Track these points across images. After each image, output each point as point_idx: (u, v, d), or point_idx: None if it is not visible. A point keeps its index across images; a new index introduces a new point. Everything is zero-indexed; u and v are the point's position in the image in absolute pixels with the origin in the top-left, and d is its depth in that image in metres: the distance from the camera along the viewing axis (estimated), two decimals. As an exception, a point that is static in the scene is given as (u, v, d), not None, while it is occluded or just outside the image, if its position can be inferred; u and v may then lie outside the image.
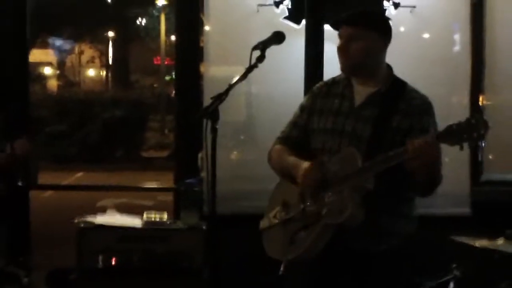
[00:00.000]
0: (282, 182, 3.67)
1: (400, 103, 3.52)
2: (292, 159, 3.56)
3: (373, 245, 3.43)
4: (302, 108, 3.68)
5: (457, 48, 5.36)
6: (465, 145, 3.22)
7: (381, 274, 3.48)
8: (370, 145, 3.44)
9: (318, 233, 3.38)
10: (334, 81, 3.63)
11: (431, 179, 3.37)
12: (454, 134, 3.21)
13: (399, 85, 3.63)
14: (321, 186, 3.40)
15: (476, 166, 5.32)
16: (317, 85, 3.68)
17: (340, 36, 3.55)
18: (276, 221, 3.55)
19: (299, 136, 3.67)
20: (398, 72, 5.25)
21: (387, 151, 3.32)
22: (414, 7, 5.19)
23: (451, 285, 4.26)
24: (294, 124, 3.68)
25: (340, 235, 3.34)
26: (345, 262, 3.44)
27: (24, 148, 3.86)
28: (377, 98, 3.52)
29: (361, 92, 3.56)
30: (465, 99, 5.28)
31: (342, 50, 3.52)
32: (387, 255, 3.48)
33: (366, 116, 3.50)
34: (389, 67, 3.68)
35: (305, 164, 3.43)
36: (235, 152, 5.31)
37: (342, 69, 3.58)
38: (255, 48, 3.38)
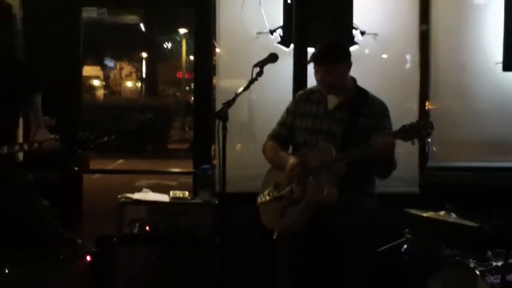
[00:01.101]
0: (273, 168, 3.73)
1: (364, 108, 3.57)
2: (282, 155, 3.66)
3: (348, 220, 3.42)
4: (288, 111, 3.75)
5: (408, 65, 5.35)
6: (416, 141, 3.26)
7: (355, 244, 3.49)
8: (343, 141, 3.49)
9: (303, 208, 3.40)
10: (312, 90, 3.72)
11: (388, 165, 3.48)
12: (407, 133, 3.26)
13: (362, 93, 3.68)
14: (304, 173, 3.43)
15: (423, 155, 5.32)
16: (299, 92, 3.77)
17: (316, 70, 3.60)
18: (269, 198, 3.60)
19: (286, 133, 3.74)
20: (365, 84, 5.24)
21: (355, 145, 3.38)
22: (376, 34, 5.17)
23: (404, 246, 4.26)
24: (283, 124, 3.75)
25: (323, 213, 3.34)
26: (327, 236, 3.45)
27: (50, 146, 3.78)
28: (346, 104, 3.58)
29: (333, 99, 3.63)
30: (415, 105, 5.28)
31: (322, 82, 3.59)
32: (359, 227, 3.48)
33: (337, 118, 3.56)
34: (353, 79, 3.71)
35: (291, 160, 3.49)
36: (239, 145, 5.31)
37: (323, 91, 3.65)
38: (255, 65, 3.45)
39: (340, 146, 3.46)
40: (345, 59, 3.65)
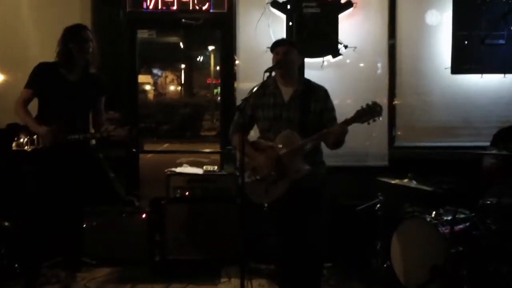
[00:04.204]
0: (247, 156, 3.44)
1: (311, 94, 3.40)
2: (251, 149, 3.44)
3: (310, 183, 3.35)
4: (248, 104, 3.44)
5: (380, 71, 5.27)
6: (371, 121, 3.13)
7: (317, 196, 3.42)
8: (300, 125, 3.35)
9: (283, 186, 3.31)
10: (265, 84, 3.37)
11: (339, 143, 3.28)
12: (362, 116, 3.13)
13: (307, 82, 3.50)
14: (278, 159, 3.32)
15: (391, 138, 5.28)
16: (255, 89, 3.33)
17: (277, 52, 3.43)
18: (250, 180, 3.42)
19: (247, 123, 3.55)
20: (347, 86, 5.25)
21: (313, 128, 3.27)
22: (356, 47, 5.10)
23: (377, 205, 4.25)
24: (244, 115, 3.48)
25: (295, 181, 3.28)
26: (298, 194, 3.34)
27: (121, 133, 3.80)
28: (297, 94, 3.40)
29: (285, 91, 3.45)
30: (385, 100, 5.20)
31: (282, 60, 3.39)
32: (318, 187, 3.42)
33: (293, 107, 3.39)
34: (299, 73, 3.58)
35: (261, 158, 3.39)
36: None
37: (280, 73, 3.43)
38: (265, 71, 3.30)
39: (299, 129, 3.34)
40: (297, 48, 3.49)
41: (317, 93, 3.45)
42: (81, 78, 3.87)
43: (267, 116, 3.47)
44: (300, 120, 3.37)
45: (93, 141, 4.13)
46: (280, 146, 3.35)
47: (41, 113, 3.84)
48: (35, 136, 3.73)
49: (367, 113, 3.12)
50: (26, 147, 3.73)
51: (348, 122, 3.17)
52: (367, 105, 3.13)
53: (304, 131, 3.31)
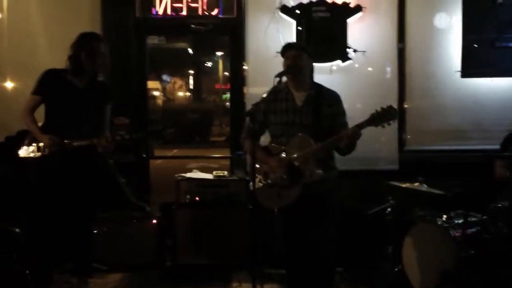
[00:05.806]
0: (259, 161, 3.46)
1: (323, 99, 3.38)
2: (263, 154, 3.43)
3: (322, 188, 3.33)
4: (259, 109, 3.44)
5: (389, 75, 5.25)
6: (385, 125, 3.10)
7: (328, 201, 3.39)
8: (313, 129, 3.33)
9: (297, 190, 3.29)
10: (277, 89, 3.38)
11: (351, 148, 3.28)
12: (376, 119, 3.10)
13: (319, 87, 3.48)
14: (291, 163, 3.30)
15: (401, 141, 5.27)
16: (266, 95, 3.37)
17: (287, 56, 3.41)
18: (261, 184, 3.42)
19: (259, 129, 3.53)
20: (356, 90, 5.24)
21: (325, 133, 3.25)
22: (365, 51, 5.10)
23: (388, 209, 4.24)
24: (254, 121, 3.37)
25: (307, 186, 3.27)
26: (309, 199, 3.32)
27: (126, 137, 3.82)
28: (310, 99, 3.39)
29: (298, 95, 3.42)
30: (395, 105, 4.99)
31: (292, 64, 3.37)
32: (330, 192, 3.40)
33: (306, 111, 3.37)
34: (310, 76, 3.49)
35: (273, 162, 3.36)
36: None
37: (291, 76, 3.39)
38: (276, 76, 3.29)
39: (312, 133, 3.31)
40: (308, 52, 3.46)
41: (330, 97, 3.43)
42: (88, 85, 3.89)
43: (280, 121, 3.45)
44: (314, 125, 3.35)
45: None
46: (293, 150, 3.34)
47: (48, 119, 3.86)
48: (41, 144, 3.75)
49: (382, 116, 3.09)
50: (33, 153, 3.76)
51: (362, 125, 3.13)
52: (382, 108, 3.11)
53: (317, 135, 3.29)
